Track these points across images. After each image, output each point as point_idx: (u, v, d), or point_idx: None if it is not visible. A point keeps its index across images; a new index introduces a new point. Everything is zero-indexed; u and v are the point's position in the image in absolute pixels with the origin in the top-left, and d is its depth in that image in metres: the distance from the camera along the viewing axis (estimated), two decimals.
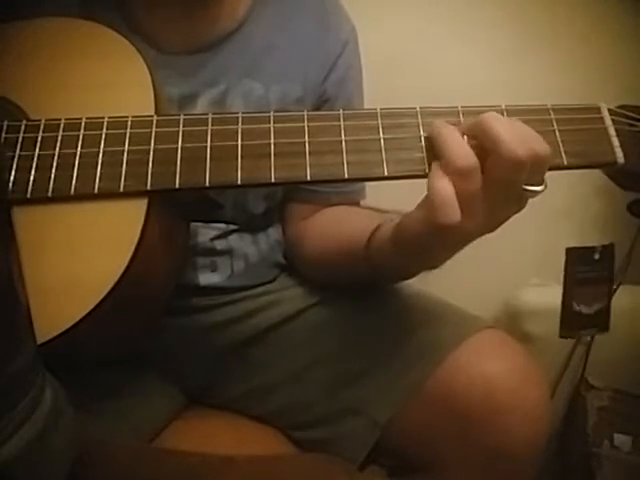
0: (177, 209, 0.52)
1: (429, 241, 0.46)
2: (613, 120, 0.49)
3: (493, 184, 0.43)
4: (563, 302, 0.82)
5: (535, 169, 0.43)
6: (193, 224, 0.62)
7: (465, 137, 0.44)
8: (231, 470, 0.48)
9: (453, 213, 0.42)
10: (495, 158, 0.42)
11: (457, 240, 0.46)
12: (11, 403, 0.28)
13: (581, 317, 0.84)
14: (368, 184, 0.71)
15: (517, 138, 0.42)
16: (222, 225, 0.65)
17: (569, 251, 0.81)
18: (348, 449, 0.60)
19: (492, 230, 0.46)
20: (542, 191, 0.44)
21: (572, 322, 0.84)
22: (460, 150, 0.43)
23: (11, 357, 0.28)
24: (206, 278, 0.64)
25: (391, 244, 0.51)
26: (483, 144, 0.43)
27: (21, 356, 0.29)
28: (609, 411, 0.90)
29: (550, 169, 0.46)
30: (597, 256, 0.84)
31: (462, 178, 0.42)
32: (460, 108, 0.48)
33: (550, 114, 0.49)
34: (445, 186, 0.42)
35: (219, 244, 0.65)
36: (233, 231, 0.66)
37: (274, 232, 0.71)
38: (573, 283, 0.82)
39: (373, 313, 0.64)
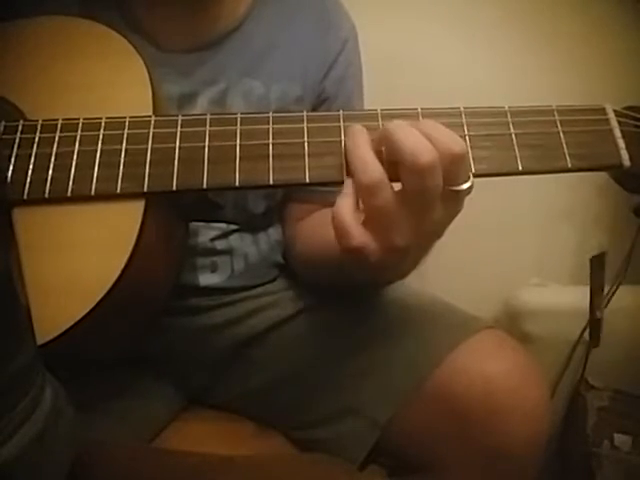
0: (176, 210, 0.52)
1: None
2: (619, 122, 0.48)
3: (409, 193, 0.41)
4: (591, 313, 0.80)
5: (454, 169, 0.41)
6: (193, 224, 0.62)
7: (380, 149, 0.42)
8: (231, 470, 0.48)
9: (355, 236, 0.41)
10: (402, 167, 0.41)
11: (399, 256, 0.43)
12: (11, 403, 0.28)
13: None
14: None
15: (421, 144, 0.40)
16: (222, 225, 0.65)
17: (594, 259, 0.78)
18: (348, 449, 0.60)
19: (439, 236, 0.44)
20: (470, 187, 0.42)
21: (600, 331, 0.81)
22: (362, 165, 0.41)
23: (11, 357, 0.28)
24: (206, 278, 0.64)
25: None
26: (390, 154, 0.42)
27: (21, 356, 0.29)
28: (609, 411, 0.90)
29: (555, 172, 0.46)
30: None
31: (368, 193, 0.41)
32: (462, 109, 0.47)
33: (555, 115, 0.48)
34: (343, 210, 0.41)
35: (219, 244, 0.65)
36: (233, 231, 0.66)
37: (274, 232, 0.71)
38: (598, 291, 0.79)
39: (373, 313, 0.64)
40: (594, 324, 0.81)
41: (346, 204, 0.42)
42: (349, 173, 0.44)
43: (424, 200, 0.41)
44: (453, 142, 0.41)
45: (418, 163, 0.39)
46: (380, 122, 0.47)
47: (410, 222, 0.41)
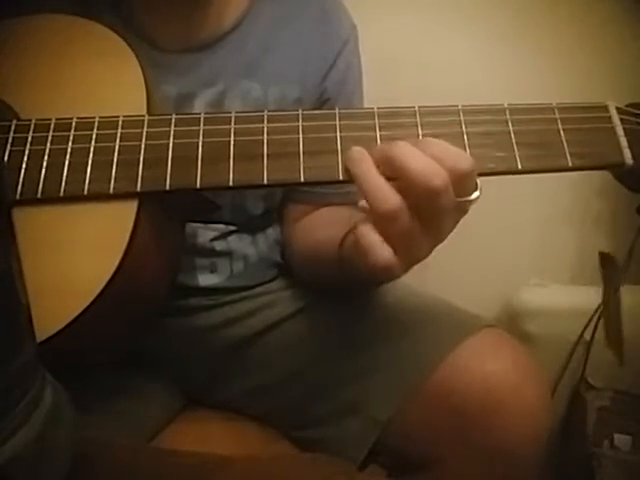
0: (171, 210, 0.52)
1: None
2: (621, 119, 0.47)
3: (423, 213, 0.40)
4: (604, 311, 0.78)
5: (462, 184, 0.41)
6: (192, 225, 0.62)
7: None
8: (231, 470, 0.48)
9: (382, 255, 0.40)
10: (414, 191, 0.40)
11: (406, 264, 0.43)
12: (11, 403, 0.28)
13: None
14: None
15: (430, 167, 0.39)
16: (221, 226, 0.65)
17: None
18: (348, 449, 0.60)
19: (441, 241, 0.44)
20: (478, 197, 0.42)
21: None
22: (379, 194, 0.40)
23: (12, 357, 0.28)
24: (205, 279, 0.64)
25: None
26: (398, 178, 0.41)
27: (21, 356, 0.29)
28: (609, 411, 0.90)
29: (555, 171, 0.45)
30: None
31: (389, 221, 0.40)
32: (460, 107, 0.47)
33: (555, 113, 0.47)
34: (368, 231, 0.41)
35: (218, 245, 0.65)
36: (232, 232, 0.66)
37: (273, 232, 0.71)
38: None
39: (373, 312, 0.64)
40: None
41: (370, 226, 0.41)
42: (363, 196, 0.42)
43: (438, 217, 0.41)
44: (460, 160, 0.40)
45: (431, 187, 0.39)
46: (376, 120, 0.46)
47: (427, 236, 0.41)
